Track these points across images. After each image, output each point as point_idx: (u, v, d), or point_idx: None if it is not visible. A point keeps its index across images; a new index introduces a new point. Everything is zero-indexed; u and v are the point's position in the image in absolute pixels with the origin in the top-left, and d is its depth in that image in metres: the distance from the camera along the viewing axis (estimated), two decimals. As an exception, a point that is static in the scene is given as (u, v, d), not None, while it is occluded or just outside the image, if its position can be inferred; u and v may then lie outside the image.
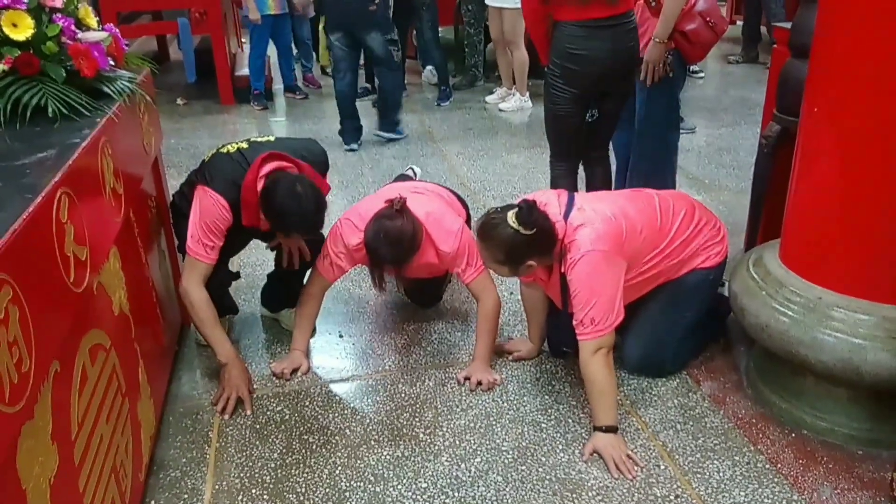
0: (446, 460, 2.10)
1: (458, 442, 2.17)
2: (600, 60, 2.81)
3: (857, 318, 1.97)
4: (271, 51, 6.29)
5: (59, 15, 2.00)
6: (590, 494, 1.96)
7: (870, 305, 1.97)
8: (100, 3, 5.54)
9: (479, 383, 2.39)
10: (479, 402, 2.35)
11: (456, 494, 1.97)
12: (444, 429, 2.23)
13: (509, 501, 1.95)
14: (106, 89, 2.04)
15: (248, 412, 2.31)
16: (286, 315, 2.79)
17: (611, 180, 3.29)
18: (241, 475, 2.07)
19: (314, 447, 2.17)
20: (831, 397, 2.13)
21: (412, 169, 3.78)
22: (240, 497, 1.99)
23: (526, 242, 2.07)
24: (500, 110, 5.93)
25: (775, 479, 1.99)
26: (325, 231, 2.50)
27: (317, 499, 1.98)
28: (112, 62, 2.15)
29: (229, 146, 2.40)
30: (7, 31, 1.87)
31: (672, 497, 1.94)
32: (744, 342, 2.56)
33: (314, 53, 7.28)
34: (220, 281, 2.47)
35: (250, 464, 2.11)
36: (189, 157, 4.91)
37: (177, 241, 2.60)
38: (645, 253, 2.26)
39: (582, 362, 2.11)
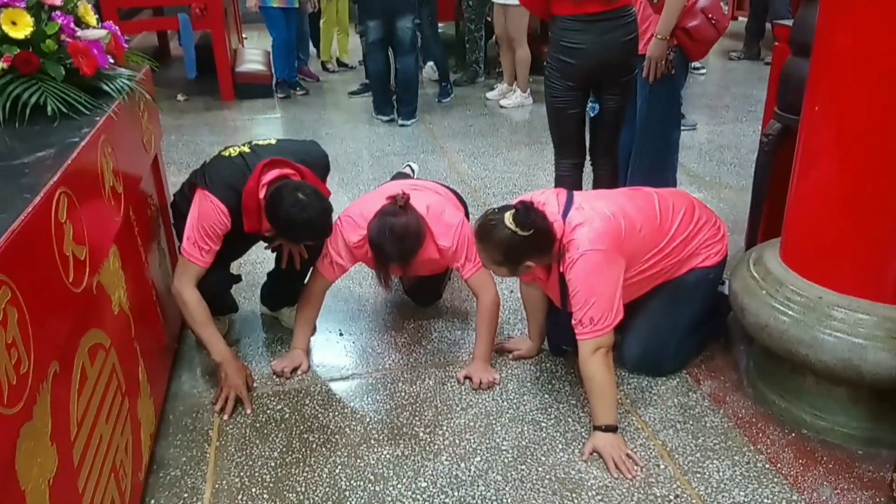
0: (446, 459, 2.10)
1: (457, 441, 2.17)
2: (595, 53, 2.84)
3: (858, 317, 1.97)
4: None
5: (58, 13, 2.00)
6: (589, 494, 1.96)
7: (870, 305, 1.97)
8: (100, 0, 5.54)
9: (480, 382, 2.39)
10: (479, 400, 2.35)
11: (455, 494, 1.98)
12: (444, 428, 2.23)
13: (509, 501, 1.95)
14: (105, 87, 2.04)
15: (248, 411, 2.31)
16: (286, 313, 2.79)
17: (618, 180, 3.28)
18: (241, 474, 2.07)
19: (314, 446, 2.17)
20: (831, 397, 2.13)
21: (410, 166, 3.78)
22: (240, 496, 1.99)
23: (524, 243, 2.07)
24: (501, 107, 5.92)
25: (775, 479, 1.99)
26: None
27: (316, 498, 1.98)
28: (112, 60, 2.15)
29: (231, 149, 2.40)
30: (6, 29, 1.87)
31: (671, 497, 1.95)
32: (744, 341, 2.56)
33: (316, 48, 7.28)
34: (220, 284, 2.47)
35: (250, 462, 2.11)
36: (189, 153, 4.91)
37: (178, 241, 2.60)
38: (644, 252, 2.26)
39: (581, 361, 2.11)
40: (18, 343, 1.19)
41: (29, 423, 1.25)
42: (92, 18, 2.15)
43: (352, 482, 2.03)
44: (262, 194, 2.24)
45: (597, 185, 3.21)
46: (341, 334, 2.76)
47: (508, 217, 2.05)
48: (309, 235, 2.34)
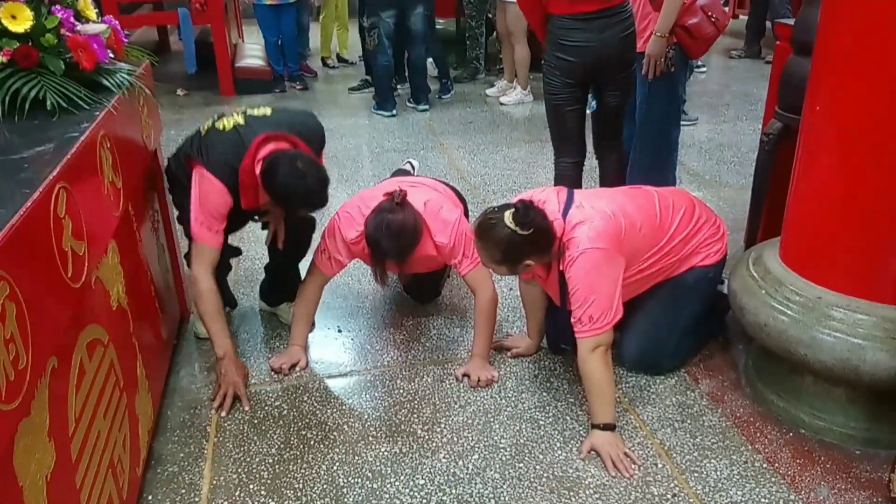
0: (444, 457, 2.10)
1: (455, 439, 2.17)
2: (592, 50, 2.84)
3: (857, 317, 1.97)
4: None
5: (58, 7, 1.99)
6: (587, 492, 1.96)
7: (869, 305, 1.97)
8: (100, -6, 5.53)
9: (478, 380, 2.39)
10: (477, 398, 2.35)
11: (453, 491, 1.98)
12: (442, 425, 2.23)
13: (506, 499, 1.95)
14: (105, 82, 2.03)
15: (246, 408, 2.31)
16: (285, 309, 2.79)
17: (625, 168, 3.28)
18: (239, 470, 2.07)
19: (312, 443, 2.17)
20: (830, 397, 2.13)
21: (410, 163, 3.78)
22: (237, 492, 1.99)
23: (523, 242, 2.06)
24: (502, 104, 5.92)
25: (772, 479, 1.99)
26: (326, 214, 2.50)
27: (314, 495, 1.98)
28: (111, 54, 2.14)
29: (225, 121, 2.35)
30: (6, 22, 1.86)
31: (669, 496, 1.95)
32: (743, 340, 2.56)
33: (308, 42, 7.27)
34: (221, 254, 2.48)
35: (248, 459, 2.11)
36: (189, 148, 4.90)
37: (175, 210, 2.58)
38: (644, 250, 2.26)
39: (580, 360, 2.11)
40: (17, 338, 1.19)
41: (27, 419, 1.25)
42: (92, 13, 2.15)
43: (349, 479, 2.03)
44: (258, 170, 2.23)
45: (604, 179, 3.21)
46: (340, 331, 2.76)
47: (508, 216, 2.05)
48: (305, 204, 2.31)
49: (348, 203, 2.54)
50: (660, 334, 2.39)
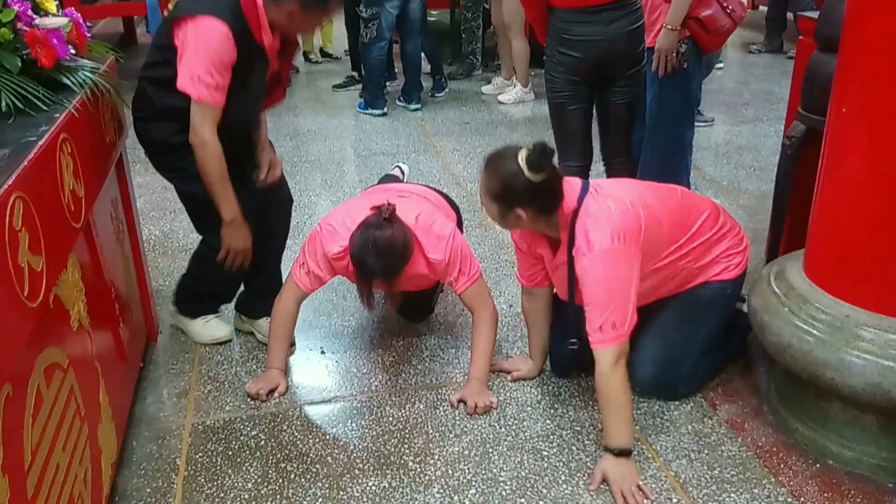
0: (438, 492, 2.10)
1: (450, 471, 2.17)
2: (597, 45, 2.87)
3: (888, 338, 1.98)
4: None
5: (14, -1, 1.99)
6: (595, 530, 1.96)
7: (902, 325, 1.98)
8: (60, -18, 5.54)
9: (475, 406, 2.39)
10: (475, 426, 2.35)
11: (448, 530, 1.98)
12: (436, 456, 2.23)
13: (506, 538, 1.95)
14: (66, 80, 2.03)
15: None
16: (263, 325, 2.78)
17: (635, 175, 3.29)
18: (212, 507, 2.07)
19: (292, 476, 2.16)
20: (859, 424, 2.14)
21: (399, 167, 3.79)
22: (210, 531, 1.99)
23: (525, 187, 2.09)
24: (500, 102, 5.95)
25: (798, 515, 2.00)
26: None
27: (295, 534, 1.98)
28: (73, 50, 2.15)
29: None
30: (-43, 16, 1.87)
31: (685, 534, 1.95)
32: (765, 363, 2.57)
33: None
34: (261, 200, 2.60)
35: (221, 495, 2.10)
36: (157, 151, 4.90)
37: (172, 180, 2.60)
38: (663, 246, 2.27)
39: (601, 375, 2.09)
40: (-33, 364, 1.19)
41: (-22, 453, 1.25)
42: (52, 5, 2.15)
43: (334, 517, 2.02)
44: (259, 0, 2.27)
45: None
46: (323, 352, 2.76)
47: (522, 154, 2.09)
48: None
49: (331, 215, 2.54)
50: (675, 355, 2.40)
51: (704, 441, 2.28)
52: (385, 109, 5.72)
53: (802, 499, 2.05)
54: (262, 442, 2.31)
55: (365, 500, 2.07)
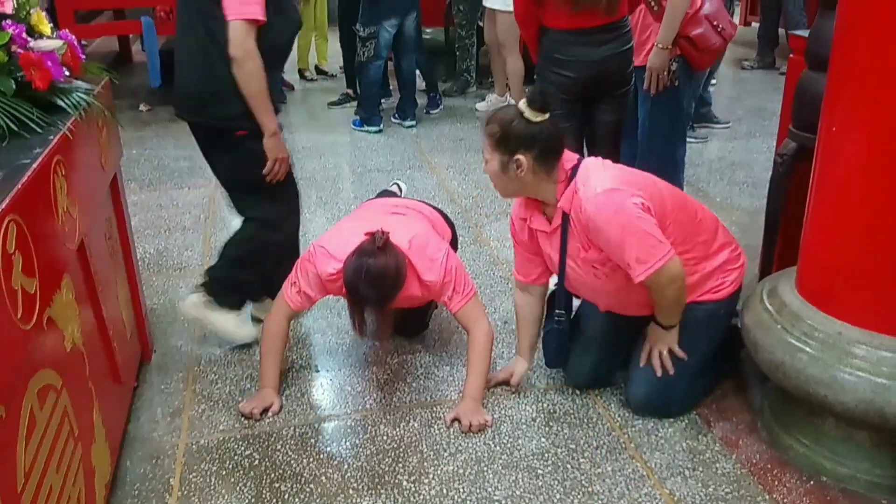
0: (432, 511, 2.10)
1: (445, 491, 2.17)
2: (590, 65, 2.90)
3: (881, 355, 1.99)
4: None
5: (9, 21, 2.00)
6: (590, 549, 1.96)
7: (894, 342, 1.99)
8: (55, 1, 5.55)
9: (470, 425, 2.39)
10: (469, 445, 2.35)
11: (442, 549, 1.97)
12: (431, 476, 2.23)
13: (501, 557, 1.95)
14: (60, 102, 2.04)
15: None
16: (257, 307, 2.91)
17: None
18: (206, 528, 2.06)
19: (286, 496, 2.16)
20: (853, 441, 2.14)
21: (398, 185, 3.80)
22: (203, 552, 1.98)
23: (525, 130, 2.18)
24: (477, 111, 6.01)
25: (792, 532, 2.00)
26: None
27: (289, 554, 1.97)
28: (67, 72, 2.16)
29: None
30: (-48, 39, 1.88)
31: (680, 552, 1.95)
32: (758, 380, 2.58)
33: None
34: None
35: (216, 515, 2.10)
36: (153, 168, 4.92)
37: (240, 151, 2.64)
38: (667, 228, 2.26)
39: (652, 294, 2.27)
40: (-40, 388, 1.19)
41: (-30, 477, 1.24)
42: (46, 27, 2.16)
43: (328, 537, 2.02)
44: None
45: None
46: (317, 370, 2.76)
47: (524, 101, 2.19)
48: None
49: (325, 237, 2.55)
50: (668, 375, 2.40)
51: (699, 458, 2.28)
52: (381, 126, 5.75)
53: (797, 516, 2.06)
54: (256, 461, 2.30)
55: (359, 519, 2.07)
